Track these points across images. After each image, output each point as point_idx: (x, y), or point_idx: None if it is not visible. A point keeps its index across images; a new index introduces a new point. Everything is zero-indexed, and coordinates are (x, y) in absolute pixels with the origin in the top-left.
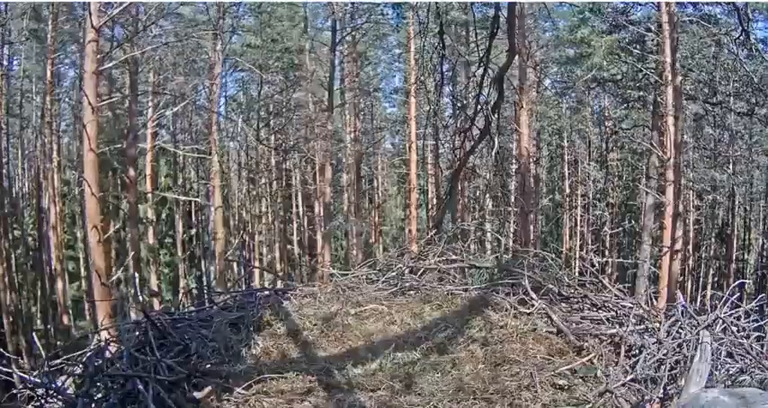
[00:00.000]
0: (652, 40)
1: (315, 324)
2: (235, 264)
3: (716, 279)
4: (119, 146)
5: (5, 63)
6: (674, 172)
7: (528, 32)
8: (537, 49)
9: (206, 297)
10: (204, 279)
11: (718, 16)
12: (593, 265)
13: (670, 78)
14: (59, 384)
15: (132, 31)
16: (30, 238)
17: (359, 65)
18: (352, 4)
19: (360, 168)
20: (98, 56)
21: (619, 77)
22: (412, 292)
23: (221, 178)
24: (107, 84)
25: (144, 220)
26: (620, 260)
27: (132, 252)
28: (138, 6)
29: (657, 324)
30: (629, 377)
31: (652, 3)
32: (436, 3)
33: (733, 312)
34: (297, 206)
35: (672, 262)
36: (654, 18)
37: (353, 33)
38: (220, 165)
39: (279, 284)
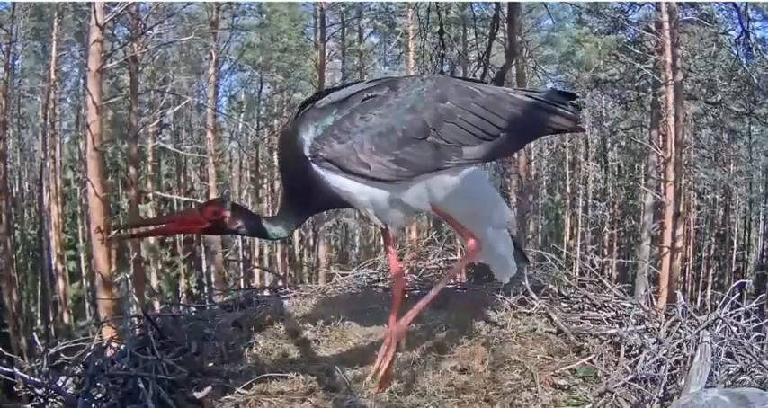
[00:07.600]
0: (650, 41)
1: (315, 324)
2: (235, 264)
3: (716, 279)
4: (120, 145)
5: (8, 62)
6: (674, 172)
7: (524, 29)
8: (535, 47)
9: (206, 296)
10: (205, 278)
11: (716, 14)
12: (593, 265)
13: (670, 77)
14: (59, 384)
15: (135, 32)
16: (30, 238)
17: (357, 61)
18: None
19: None
20: (102, 54)
21: (617, 78)
22: (414, 292)
23: (222, 178)
24: (111, 81)
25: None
26: (621, 260)
27: (134, 253)
28: (138, 6)
29: (657, 324)
30: (629, 377)
31: (651, 3)
32: (437, 2)
33: (733, 312)
34: None
35: (672, 262)
36: (652, 18)
37: (351, 28)
38: (216, 166)
39: (279, 284)
